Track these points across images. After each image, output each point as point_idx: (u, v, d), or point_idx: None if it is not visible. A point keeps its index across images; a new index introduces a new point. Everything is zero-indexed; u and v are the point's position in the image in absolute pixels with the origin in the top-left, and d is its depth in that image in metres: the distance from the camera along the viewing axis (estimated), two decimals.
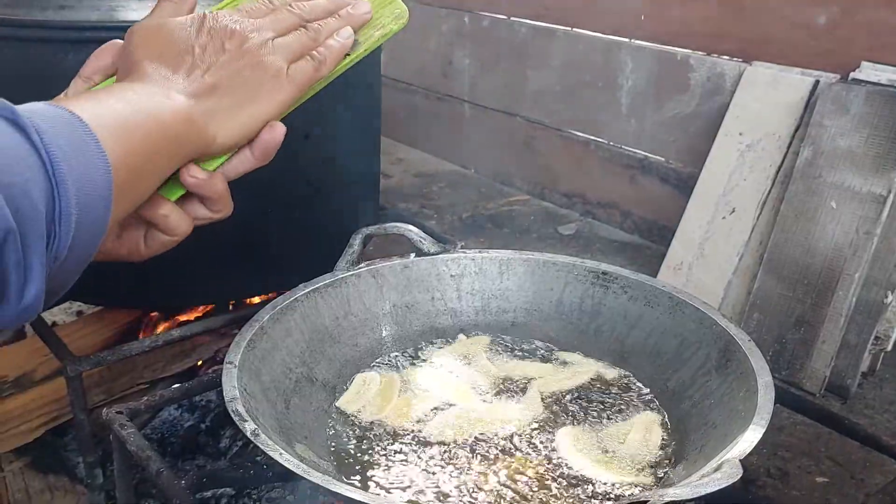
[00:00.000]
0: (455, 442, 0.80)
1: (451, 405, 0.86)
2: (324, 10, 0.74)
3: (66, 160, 0.49)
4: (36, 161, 0.48)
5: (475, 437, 0.81)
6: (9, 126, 0.48)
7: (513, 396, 0.88)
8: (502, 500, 0.72)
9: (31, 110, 0.50)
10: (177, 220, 0.65)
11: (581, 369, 0.92)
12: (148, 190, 0.61)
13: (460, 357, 0.94)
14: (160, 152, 0.59)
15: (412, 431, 0.82)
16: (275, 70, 0.67)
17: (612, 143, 1.91)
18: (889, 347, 1.38)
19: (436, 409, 0.85)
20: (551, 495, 0.73)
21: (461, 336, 0.98)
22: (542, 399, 0.87)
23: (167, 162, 0.61)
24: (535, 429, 0.83)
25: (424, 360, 0.94)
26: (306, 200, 1.11)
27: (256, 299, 1.17)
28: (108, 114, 0.56)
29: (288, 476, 0.91)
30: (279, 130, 0.68)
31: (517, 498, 0.73)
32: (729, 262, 1.51)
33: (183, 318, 1.23)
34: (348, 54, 0.74)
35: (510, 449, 0.79)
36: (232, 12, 0.69)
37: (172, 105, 0.61)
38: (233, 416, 0.70)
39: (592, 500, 0.73)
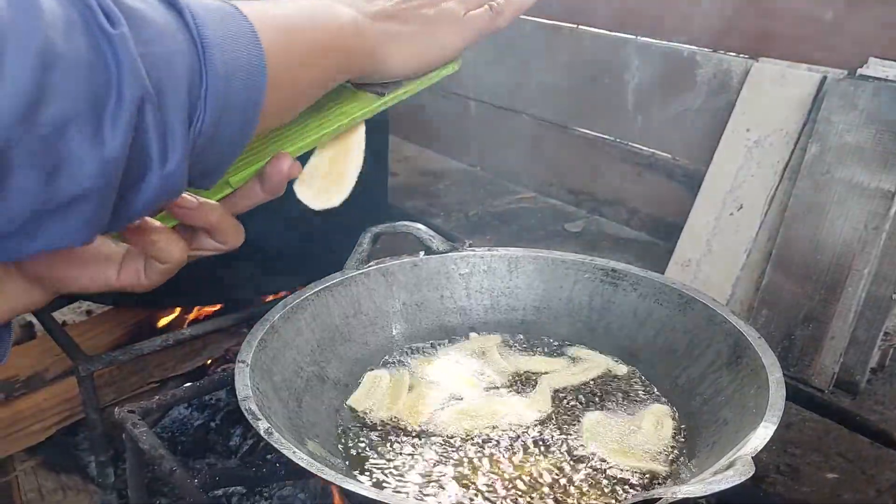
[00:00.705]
0: (466, 437, 0.81)
1: (461, 401, 0.86)
2: None
3: (218, 43, 0.50)
4: (185, 37, 0.49)
5: (486, 433, 0.81)
6: (162, 5, 0.49)
7: (523, 392, 0.88)
8: (517, 490, 0.72)
9: None
10: (168, 247, 0.60)
11: (591, 365, 0.92)
12: (308, 94, 0.62)
13: (472, 354, 0.95)
14: (326, 58, 0.61)
15: (424, 428, 0.82)
16: (453, 13, 0.71)
17: (618, 140, 1.90)
18: None
19: (447, 405, 0.86)
20: (568, 480, 0.73)
21: (473, 334, 0.98)
22: (554, 393, 0.87)
23: (333, 72, 0.63)
24: (544, 422, 0.83)
25: (436, 357, 0.94)
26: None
27: (267, 298, 1.18)
28: (273, 12, 0.57)
29: (300, 474, 0.92)
30: (286, 163, 0.64)
31: (533, 484, 0.73)
32: (737, 259, 1.51)
33: (193, 317, 1.24)
34: (382, 94, 0.73)
35: (521, 442, 0.80)
36: None
37: (347, 17, 0.63)
38: (246, 414, 0.70)
39: (610, 484, 0.73)
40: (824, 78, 1.46)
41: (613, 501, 0.72)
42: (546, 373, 0.91)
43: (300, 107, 0.63)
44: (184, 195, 0.60)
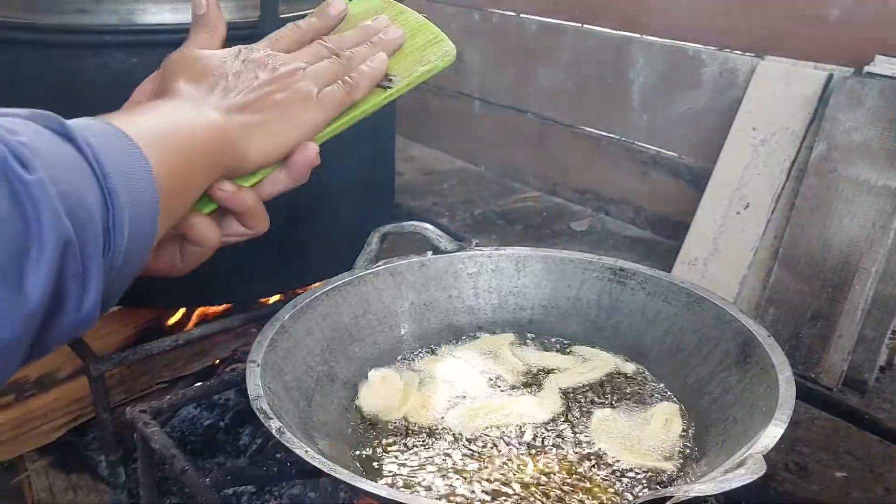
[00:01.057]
0: (476, 436, 0.81)
1: (471, 400, 0.87)
2: (355, 40, 0.76)
3: (115, 171, 0.49)
4: (88, 171, 0.48)
5: (496, 431, 0.81)
6: (58, 137, 0.48)
7: (532, 391, 0.88)
8: (526, 488, 0.73)
9: (76, 124, 0.50)
10: (204, 231, 0.66)
11: (599, 364, 0.92)
12: (188, 203, 0.62)
13: (484, 353, 0.95)
14: (197, 164, 0.61)
15: (433, 426, 0.83)
16: (305, 93, 0.69)
17: (623, 139, 1.91)
18: None
19: (456, 403, 0.86)
20: (579, 476, 0.74)
21: (485, 335, 0.99)
22: (563, 393, 0.88)
23: (204, 175, 0.62)
24: (554, 421, 0.83)
25: (447, 356, 0.95)
26: (324, 199, 1.11)
27: (275, 297, 1.18)
28: (147, 126, 0.57)
29: (310, 473, 0.93)
30: (311, 151, 0.69)
31: (542, 483, 0.73)
32: (744, 257, 1.51)
33: (201, 317, 1.24)
34: (388, 87, 0.75)
35: (530, 441, 0.80)
36: (265, 46, 0.71)
37: (206, 119, 0.63)
38: (258, 413, 0.70)
39: (619, 482, 0.74)
40: (830, 76, 1.46)
41: (623, 500, 0.72)
42: (554, 371, 0.92)
43: (182, 212, 0.62)
44: (222, 179, 0.66)
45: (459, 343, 0.97)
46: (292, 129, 0.68)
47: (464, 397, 0.87)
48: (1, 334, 0.42)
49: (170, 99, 0.65)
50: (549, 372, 0.92)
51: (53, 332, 0.46)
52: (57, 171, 0.45)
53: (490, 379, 0.91)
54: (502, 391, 0.88)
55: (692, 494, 0.59)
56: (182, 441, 1.19)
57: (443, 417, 0.84)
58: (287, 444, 0.67)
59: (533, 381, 0.90)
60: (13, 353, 0.43)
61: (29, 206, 0.42)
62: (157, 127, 0.58)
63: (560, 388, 0.88)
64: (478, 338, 0.98)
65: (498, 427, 0.82)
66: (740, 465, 0.62)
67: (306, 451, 0.66)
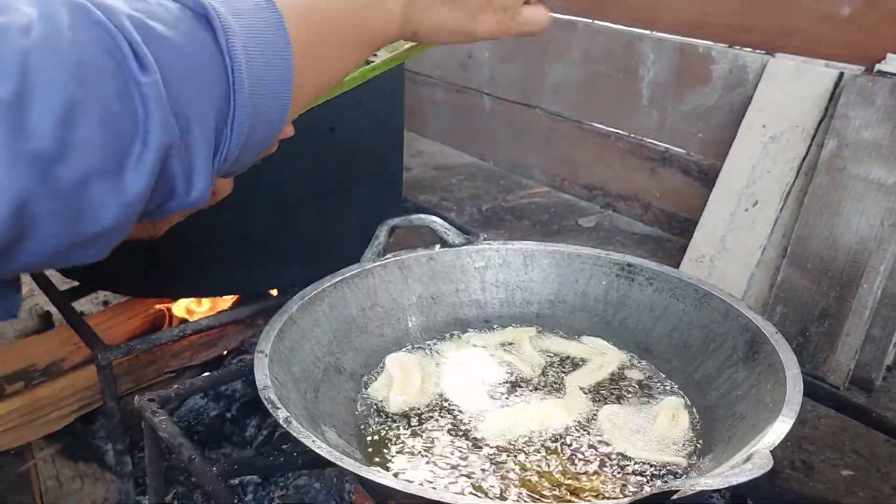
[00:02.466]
0: (488, 427, 0.81)
1: (483, 391, 0.87)
2: None
3: (249, 63, 0.50)
4: (218, 63, 0.49)
5: (511, 427, 0.81)
6: (198, 25, 0.49)
7: (547, 385, 0.88)
8: (532, 481, 0.73)
9: (225, 4, 0.50)
10: None
11: (608, 360, 0.92)
12: (334, 77, 0.63)
13: (500, 344, 0.95)
14: (351, 43, 0.61)
15: (442, 417, 0.83)
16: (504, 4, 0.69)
17: (632, 135, 1.90)
18: None
19: (468, 395, 0.86)
20: (585, 461, 0.74)
21: (509, 327, 0.99)
22: (584, 391, 0.88)
23: (360, 53, 0.63)
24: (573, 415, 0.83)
25: (464, 346, 0.95)
26: (332, 192, 1.12)
27: (275, 291, 1.18)
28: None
29: (316, 463, 0.93)
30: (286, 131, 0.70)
31: (549, 477, 0.73)
32: (752, 255, 1.51)
33: (209, 308, 1.25)
34: (371, 62, 0.77)
35: (537, 436, 0.80)
36: None
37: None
38: (266, 403, 0.70)
39: (628, 476, 0.74)
40: (841, 74, 1.45)
41: (630, 494, 0.73)
42: (571, 361, 0.92)
43: (326, 90, 0.64)
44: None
45: (481, 332, 0.98)
46: (471, 34, 0.69)
47: (475, 389, 0.87)
48: (103, 221, 0.44)
49: None
50: (564, 361, 0.92)
51: (165, 213, 0.50)
52: (179, 69, 0.46)
53: (508, 371, 0.91)
54: (519, 388, 0.88)
55: (698, 489, 0.59)
56: (188, 431, 1.19)
57: (453, 409, 0.84)
58: (294, 434, 0.67)
59: (552, 377, 0.90)
60: (111, 239, 0.46)
61: (140, 106, 0.44)
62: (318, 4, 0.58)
63: (581, 388, 0.88)
64: (502, 329, 0.99)
65: (511, 420, 0.82)
66: (747, 460, 0.62)
67: (313, 441, 0.67)
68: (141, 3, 0.47)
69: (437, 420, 0.83)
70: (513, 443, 0.79)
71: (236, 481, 1.07)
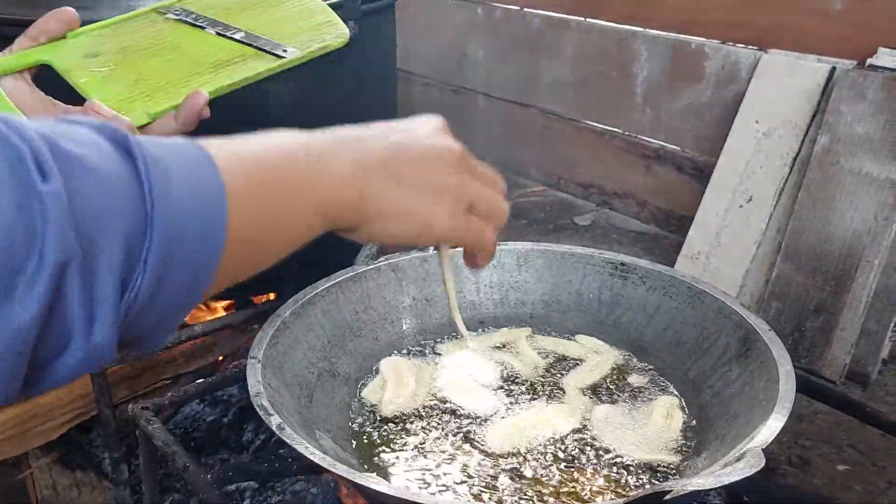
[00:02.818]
0: (474, 428, 0.81)
1: (481, 393, 0.87)
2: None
3: (171, 198, 0.44)
4: (133, 190, 0.44)
5: (516, 434, 0.81)
6: (116, 152, 0.44)
7: (543, 389, 0.88)
8: (525, 480, 0.73)
9: (148, 143, 0.46)
10: None
11: (604, 359, 0.92)
12: (278, 250, 0.56)
13: (496, 346, 0.95)
14: (306, 213, 0.55)
15: (437, 421, 0.83)
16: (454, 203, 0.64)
17: (627, 133, 1.90)
18: None
19: (465, 397, 0.86)
20: (581, 467, 0.74)
21: (504, 328, 0.99)
22: (583, 392, 0.88)
23: (313, 228, 0.57)
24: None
25: (460, 347, 0.95)
26: None
27: (272, 295, 1.18)
28: (245, 155, 0.52)
29: (311, 469, 0.93)
30: (200, 99, 0.71)
31: (542, 476, 0.73)
32: (747, 251, 1.51)
33: (203, 314, 1.25)
34: (283, 56, 0.79)
35: (531, 436, 0.80)
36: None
37: (342, 166, 0.57)
38: (258, 410, 0.71)
39: (621, 475, 0.74)
40: (833, 69, 1.45)
41: (624, 493, 0.73)
42: (567, 360, 0.92)
43: (269, 262, 0.55)
44: (101, 105, 0.66)
45: (476, 334, 0.98)
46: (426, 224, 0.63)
47: (471, 391, 0.87)
48: None
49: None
50: (561, 360, 0.92)
51: (62, 363, 0.43)
52: (87, 184, 0.42)
53: (506, 372, 0.91)
54: (519, 387, 0.88)
55: (690, 489, 0.59)
56: (185, 437, 1.19)
57: (449, 411, 0.84)
58: (287, 440, 0.68)
59: (550, 377, 0.90)
60: (3, 372, 0.40)
61: (37, 217, 0.39)
62: (260, 157, 0.53)
63: (580, 389, 0.88)
64: (497, 330, 0.99)
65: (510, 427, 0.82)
66: (739, 459, 0.62)
67: (306, 447, 0.67)
68: (59, 128, 0.43)
69: (431, 424, 0.83)
70: (512, 448, 0.79)
71: (233, 487, 1.07)
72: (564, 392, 0.87)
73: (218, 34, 0.79)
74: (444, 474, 0.75)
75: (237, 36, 0.79)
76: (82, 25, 0.77)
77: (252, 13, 0.83)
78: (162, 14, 0.81)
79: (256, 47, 0.79)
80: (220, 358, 1.25)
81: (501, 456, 0.77)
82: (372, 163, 0.60)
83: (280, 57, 0.79)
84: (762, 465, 0.60)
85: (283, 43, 0.80)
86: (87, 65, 0.73)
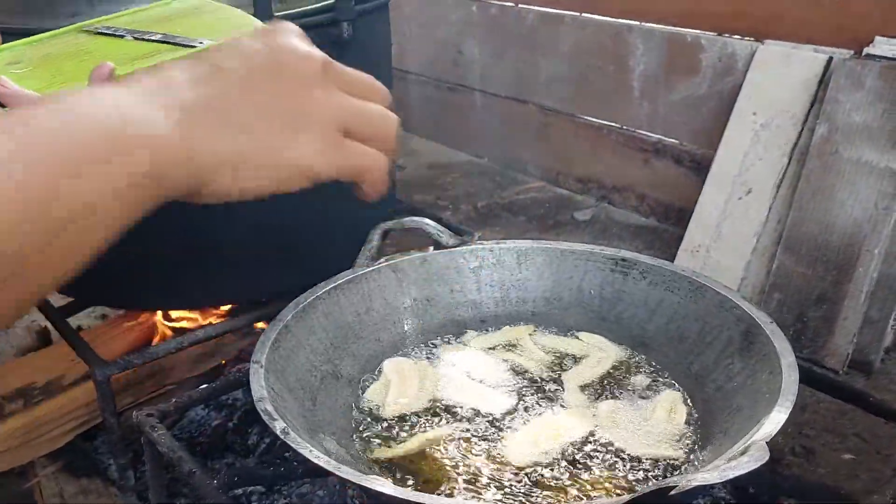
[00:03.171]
0: (481, 428, 0.81)
1: (482, 392, 0.87)
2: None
3: None
4: None
5: (501, 425, 0.82)
6: None
7: (546, 387, 0.88)
8: (530, 478, 0.73)
9: None
10: None
11: (605, 355, 0.93)
12: (97, 229, 0.44)
13: (503, 344, 0.95)
14: (99, 168, 0.43)
15: (440, 421, 0.83)
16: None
17: (625, 127, 1.90)
18: None
19: (465, 395, 0.86)
20: (583, 467, 0.74)
21: (506, 326, 0.99)
22: (581, 389, 0.88)
23: (133, 210, 0.46)
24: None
25: (462, 347, 0.96)
26: (322, 196, 1.11)
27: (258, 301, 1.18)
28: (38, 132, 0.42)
29: (318, 472, 0.93)
30: (105, 69, 0.61)
31: (548, 473, 0.73)
32: (747, 243, 1.51)
33: (205, 318, 1.25)
34: (197, 46, 0.75)
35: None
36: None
37: (155, 123, 0.46)
38: (262, 415, 0.71)
39: (624, 472, 0.74)
40: (830, 58, 1.45)
41: (629, 489, 0.73)
42: (570, 358, 0.92)
43: (78, 261, 0.44)
44: (6, 80, 0.61)
45: (479, 333, 0.98)
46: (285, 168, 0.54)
47: (473, 388, 0.88)
48: None
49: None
50: (565, 357, 0.93)
51: None
52: None
53: (511, 371, 0.91)
54: (521, 385, 0.88)
55: (696, 484, 0.59)
56: (191, 442, 1.19)
57: (451, 409, 0.84)
58: (292, 445, 0.68)
59: (553, 375, 0.90)
60: None
61: None
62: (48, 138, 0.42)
63: (580, 386, 0.88)
64: (498, 329, 0.99)
65: (510, 422, 0.82)
66: (744, 452, 0.62)
67: (311, 451, 0.67)
68: None
69: (435, 424, 0.83)
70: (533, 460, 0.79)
71: (239, 491, 1.07)
72: (563, 389, 0.87)
73: (136, 38, 0.79)
74: (451, 473, 0.75)
75: (154, 38, 0.78)
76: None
77: (169, 24, 0.83)
78: (85, 32, 0.82)
79: (173, 43, 0.77)
80: (223, 362, 1.25)
81: (519, 467, 0.77)
82: (194, 107, 0.48)
83: (194, 47, 0.76)
84: (766, 458, 0.60)
85: (198, 38, 0.78)
86: (5, 70, 0.74)
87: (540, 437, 0.80)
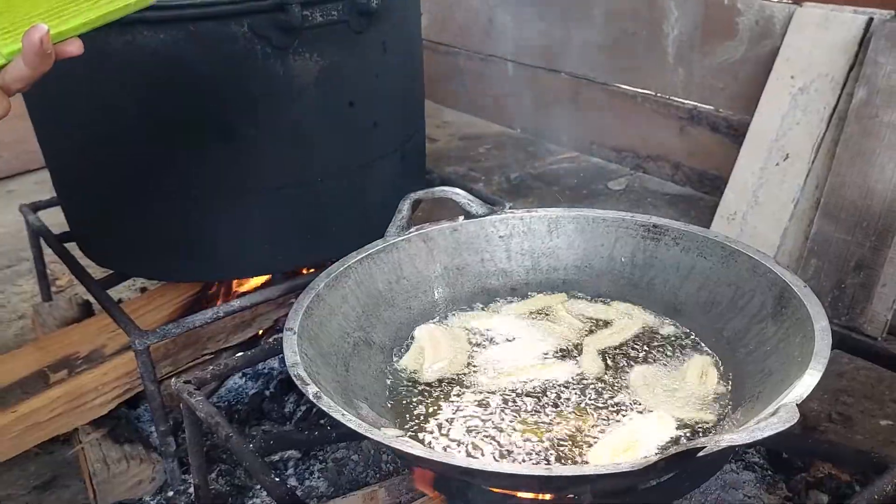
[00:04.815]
0: (515, 392, 0.82)
1: (514, 359, 0.88)
2: None
3: None
4: None
5: (536, 388, 0.82)
6: None
7: (572, 354, 0.89)
8: (562, 442, 0.74)
9: None
10: None
11: (629, 323, 0.93)
12: None
13: (533, 313, 0.96)
14: None
15: (473, 385, 0.84)
16: None
17: (659, 95, 1.88)
18: None
19: (498, 361, 0.87)
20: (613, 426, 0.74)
21: (538, 294, 0.99)
22: (601, 353, 0.88)
23: None
24: (597, 378, 0.84)
25: (496, 314, 0.96)
26: (354, 168, 1.12)
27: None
28: None
29: (351, 436, 0.95)
30: (35, 34, 0.63)
31: (579, 436, 0.74)
32: (784, 209, 1.49)
33: (243, 289, 1.27)
34: None
35: (571, 397, 0.81)
36: None
37: None
38: (295, 380, 0.72)
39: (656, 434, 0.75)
40: (870, 20, 1.41)
41: (658, 451, 0.73)
42: (602, 326, 0.92)
43: None
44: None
45: (510, 301, 0.98)
46: None
47: (506, 356, 0.88)
48: None
49: None
50: (598, 324, 0.93)
51: None
52: None
53: (535, 338, 0.91)
54: (545, 350, 0.89)
55: (724, 445, 0.59)
56: (229, 411, 1.22)
57: (484, 375, 0.85)
58: (324, 409, 0.69)
59: (575, 347, 0.90)
60: None
61: None
62: None
63: (598, 352, 0.89)
64: (531, 296, 0.99)
65: (540, 387, 0.83)
66: (773, 414, 0.62)
67: (343, 415, 0.68)
68: None
69: (468, 388, 0.84)
70: (536, 398, 0.80)
71: (277, 457, 1.09)
72: (581, 352, 0.88)
73: None
74: (482, 435, 0.76)
75: None
76: None
77: None
78: None
79: None
80: (261, 332, 1.27)
81: (538, 412, 0.78)
82: None
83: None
84: (796, 419, 0.59)
85: None
86: None
87: (523, 371, 0.84)
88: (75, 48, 0.67)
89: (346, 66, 1.04)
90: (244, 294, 1.20)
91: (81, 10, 0.69)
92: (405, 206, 0.99)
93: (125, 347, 1.16)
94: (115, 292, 1.44)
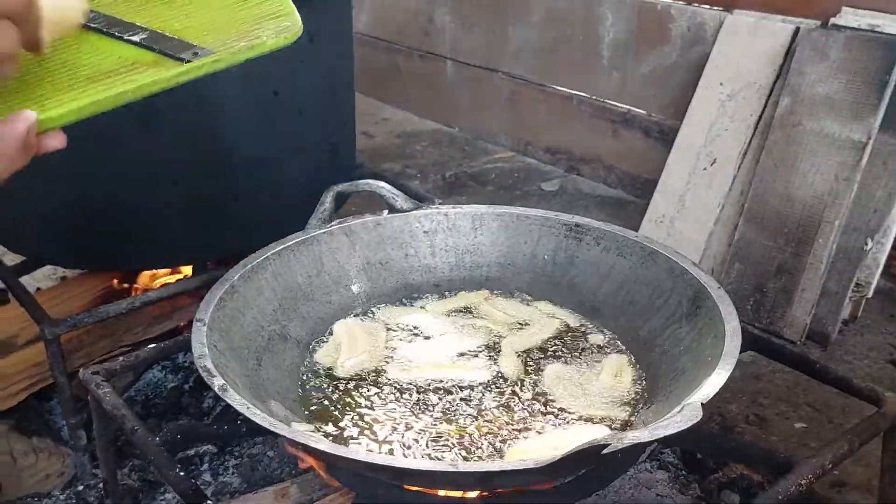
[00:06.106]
0: (430, 390, 0.81)
1: (432, 356, 0.87)
2: None
3: None
4: None
5: (453, 386, 0.82)
6: None
7: (490, 352, 0.88)
8: (474, 437, 0.73)
9: None
10: None
11: (548, 323, 0.93)
12: None
13: (453, 310, 0.95)
14: None
15: (388, 381, 0.83)
16: None
17: (594, 98, 1.89)
18: (870, 294, 1.39)
19: (416, 358, 0.86)
20: (527, 427, 0.74)
21: (461, 292, 0.99)
22: (518, 354, 0.88)
23: None
24: (508, 378, 0.83)
25: (417, 310, 0.96)
26: (278, 158, 1.10)
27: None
28: None
29: (260, 431, 0.92)
30: (23, 122, 0.55)
31: (494, 432, 0.73)
32: (710, 214, 1.51)
33: (161, 280, 1.24)
34: (189, 60, 0.61)
35: (483, 396, 0.80)
36: None
37: None
38: (201, 372, 0.70)
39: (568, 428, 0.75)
40: (797, 29, 1.45)
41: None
42: (507, 336, 0.92)
43: None
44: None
45: (433, 299, 0.98)
46: None
47: (423, 354, 0.87)
48: None
49: None
50: (518, 323, 0.93)
51: None
52: None
53: (460, 336, 0.90)
54: (467, 352, 0.88)
55: (627, 442, 0.59)
56: (146, 404, 1.19)
57: (401, 370, 0.84)
58: (230, 402, 0.67)
59: (494, 346, 0.90)
60: None
61: None
62: None
63: (516, 350, 0.88)
64: (453, 295, 0.98)
65: (454, 384, 0.82)
66: (679, 412, 0.62)
67: (248, 408, 0.66)
68: None
69: (383, 387, 0.83)
70: (448, 395, 0.80)
71: (192, 452, 1.07)
72: (500, 352, 0.87)
73: (113, 36, 0.63)
74: (394, 431, 0.75)
75: (136, 38, 0.63)
76: None
77: (173, 3, 0.67)
78: None
79: (158, 51, 0.62)
80: (182, 324, 1.24)
81: (450, 412, 0.77)
82: None
83: (182, 61, 0.61)
84: (699, 418, 0.60)
85: (196, 43, 0.62)
86: None
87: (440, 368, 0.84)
88: (58, 142, 0.58)
89: (270, 54, 1.01)
90: (162, 285, 1.18)
91: (87, 93, 0.59)
92: (328, 199, 0.98)
93: (37, 338, 1.12)
94: (33, 280, 1.39)
